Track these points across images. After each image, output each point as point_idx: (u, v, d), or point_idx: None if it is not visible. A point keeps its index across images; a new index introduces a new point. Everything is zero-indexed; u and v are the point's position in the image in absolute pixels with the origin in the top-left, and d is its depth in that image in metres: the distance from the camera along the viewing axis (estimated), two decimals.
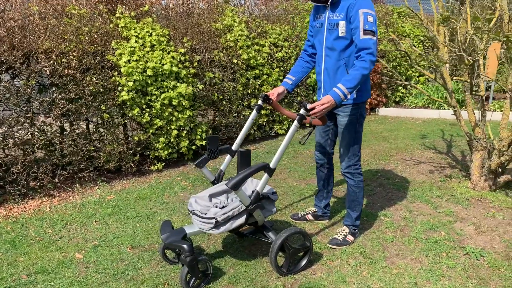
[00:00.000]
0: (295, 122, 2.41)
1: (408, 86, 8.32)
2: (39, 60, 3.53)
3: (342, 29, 2.50)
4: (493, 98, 7.96)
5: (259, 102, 2.75)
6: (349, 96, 2.41)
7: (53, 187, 3.81)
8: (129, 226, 3.17)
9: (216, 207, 2.50)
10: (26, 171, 3.58)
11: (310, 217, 3.24)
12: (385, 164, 4.68)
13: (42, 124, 3.70)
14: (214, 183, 2.73)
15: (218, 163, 4.75)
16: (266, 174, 2.35)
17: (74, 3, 4.32)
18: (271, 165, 2.35)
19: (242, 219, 2.35)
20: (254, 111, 2.76)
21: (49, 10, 3.99)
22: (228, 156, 2.77)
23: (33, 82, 3.52)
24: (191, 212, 2.43)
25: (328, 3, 2.55)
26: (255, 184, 2.65)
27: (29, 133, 3.65)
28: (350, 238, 2.88)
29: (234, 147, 2.79)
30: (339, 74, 2.61)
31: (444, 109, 7.41)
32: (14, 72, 3.56)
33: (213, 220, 2.28)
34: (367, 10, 2.40)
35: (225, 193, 2.64)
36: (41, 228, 3.13)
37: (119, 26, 4.19)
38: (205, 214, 2.38)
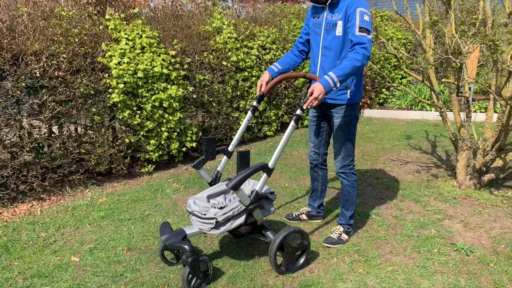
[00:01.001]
0: (292, 123, 2.46)
1: (391, 88, 8.49)
2: (29, 62, 3.48)
3: (339, 28, 2.57)
4: (473, 100, 8.19)
5: (254, 103, 2.79)
6: (338, 85, 2.42)
7: (43, 191, 3.75)
8: (123, 229, 3.15)
9: (215, 207, 2.52)
10: (16, 174, 3.52)
11: (304, 217, 3.28)
12: (373, 164, 4.77)
13: (30, 126, 3.64)
14: (211, 184, 2.75)
15: (210, 164, 4.76)
16: (265, 174, 2.38)
17: (62, 4, 4.27)
18: (270, 165, 2.39)
19: (241, 219, 2.38)
20: (250, 112, 2.79)
21: (38, 11, 3.93)
22: (224, 157, 2.79)
23: (23, 84, 3.47)
24: (190, 213, 2.45)
25: (327, 4, 2.61)
26: (251, 184, 2.68)
27: (17, 136, 3.59)
28: (344, 236, 2.94)
29: (230, 148, 2.82)
30: None
31: (427, 110, 7.58)
32: (3, 74, 3.50)
33: (214, 221, 2.30)
34: (364, 9, 2.48)
35: (223, 194, 2.66)
36: (33, 232, 3.09)
37: (109, 28, 4.16)
38: (205, 214, 2.39)
